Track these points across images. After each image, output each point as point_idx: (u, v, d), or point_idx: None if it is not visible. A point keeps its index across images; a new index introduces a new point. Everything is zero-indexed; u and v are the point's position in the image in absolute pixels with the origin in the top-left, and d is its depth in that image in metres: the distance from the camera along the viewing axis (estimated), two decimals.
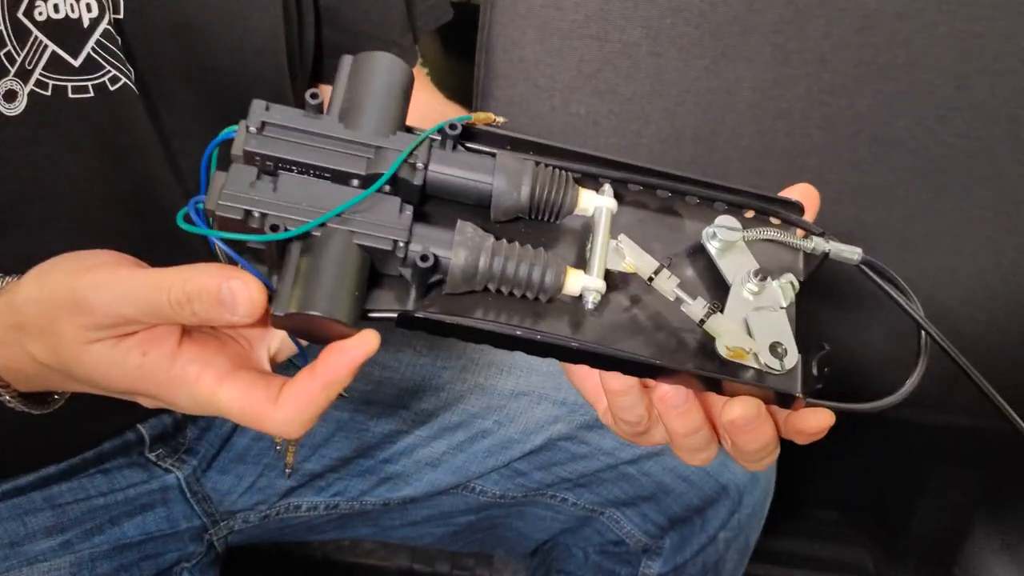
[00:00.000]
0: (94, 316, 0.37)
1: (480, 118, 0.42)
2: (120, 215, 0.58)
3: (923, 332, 0.43)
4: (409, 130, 0.41)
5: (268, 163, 0.39)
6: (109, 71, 0.55)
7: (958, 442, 1.21)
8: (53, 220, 0.56)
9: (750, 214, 0.46)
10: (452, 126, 0.40)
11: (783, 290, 0.43)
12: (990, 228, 0.90)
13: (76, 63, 0.53)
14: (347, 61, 0.42)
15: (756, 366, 0.41)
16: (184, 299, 0.36)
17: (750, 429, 0.41)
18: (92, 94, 0.54)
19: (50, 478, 0.65)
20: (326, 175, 0.39)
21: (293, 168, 0.39)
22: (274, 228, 0.37)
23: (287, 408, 0.38)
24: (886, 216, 0.91)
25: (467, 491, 0.77)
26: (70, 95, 0.54)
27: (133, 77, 0.56)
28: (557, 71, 0.85)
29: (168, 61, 0.58)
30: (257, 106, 0.39)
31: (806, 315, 0.44)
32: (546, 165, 0.42)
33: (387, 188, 0.39)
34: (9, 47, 0.51)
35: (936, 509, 1.31)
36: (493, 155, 0.42)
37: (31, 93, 0.52)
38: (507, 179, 0.41)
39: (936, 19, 0.81)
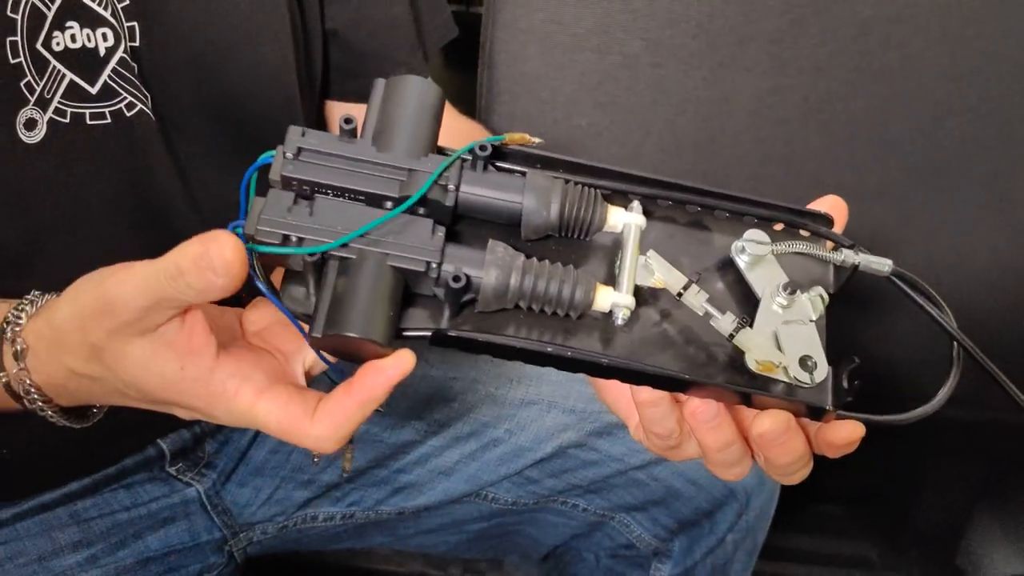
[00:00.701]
0: (118, 315, 0.38)
1: (515, 139, 0.43)
2: (136, 240, 0.60)
3: (955, 343, 0.43)
4: (441, 151, 0.42)
5: (305, 187, 0.40)
6: (125, 97, 0.56)
7: (958, 435, 1.20)
8: (75, 246, 0.57)
9: (779, 227, 0.46)
10: (482, 147, 0.41)
11: (813, 303, 0.43)
12: (986, 226, 0.91)
13: (93, 91, 0.55)
14: (380, 85, 0.43)
15: (786, 379, 0.41)
16: (176, 271, 0.36)
17: (780, 442, 0.41)
18: (109, 120, 0.56)
19: (74, 494, 0.67)
20: (360, 198, 0.40)
21: (329, 192, 0.40)
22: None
23: (323, 424, 0.39)
24: (884, 217, 0.92)
25: (480, 499, 0.78)
26: (88, 121, 0.55)
27: (149, 103, 0.58)
28: (559, 84, 0.86)
29: (183, 88, 0.59)
30: (293, 132, 0.40)
31: (836, 327, 0.44)
32: (575, 183, 0.43)
33: (420, 210, 0.40)
34: (29, 77, 0.52)
35: (938, 501, 1.32)
36: (523, 174, 0.42)
37: (50, 121, 0.54)
38: (537, 198, 0.41)
39: (929, 23, 0.82)
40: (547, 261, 0.41)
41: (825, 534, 1.36)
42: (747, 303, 0.44)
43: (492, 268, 0.39)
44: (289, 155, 0.40)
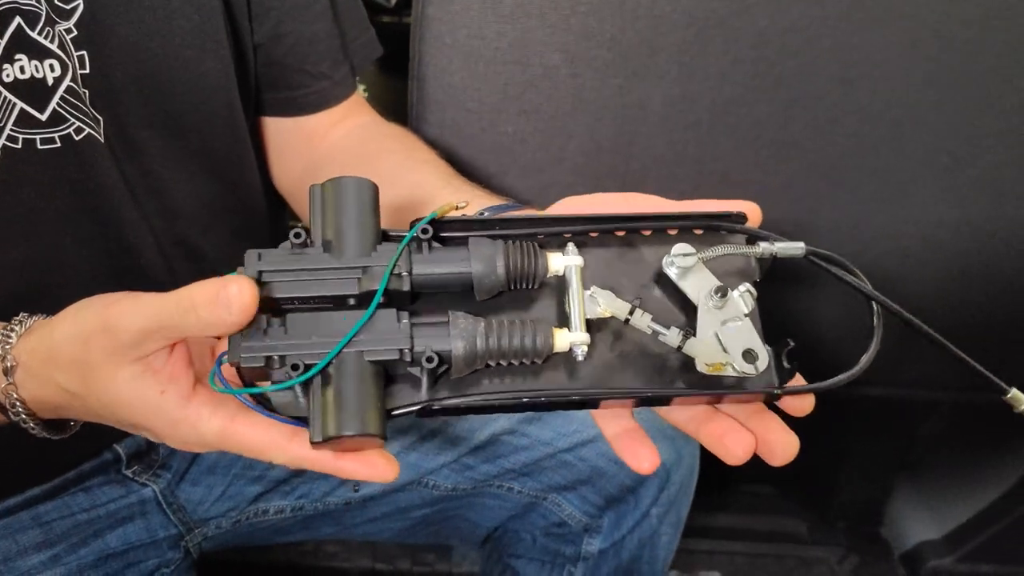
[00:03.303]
0: (119, 336, 0.42)
1: (446, 210, 0.47)
2: (91, 252, 0.63)
3: (874, 304, 0.46)
4: (386, 236, 0.45)
5: (272, 305, 0.43)
6: (74, 123, 0.60)
7: (877, 413, 1.28)
8: (31, 257, 0.61)
9: (699, 232, 0.49)
10: (424, 230, 0.44)
11: (743, 299, 0.46)
12: (882, 217, 0.96)
13: (43, 117, 0.58)
14: (316, 192, 0.45)
15: (735, 374, 0.45)
16: (190, 304, 0.40)
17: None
18: (59, 144, 0.60)
19: (36, 498, 0.69)
20: (326, 304, 0.43)
21: (295, 302, 0.43)
22: (295, 367, 0.41)
23: (301, 454, 0.43)
24: (790, 211, 0.96)
25: (421, 486, 0.81)
26: (39, 146, 0.59)
27: (101, 126, 0.61)
28: (484, 95, 0.89)
29: (131, 107, 0.63)
30: (251, 256, 0.43)
31: (768, 312, 0.48)
32: (513, 240, 0.46)
33: (382, 300, 0.43)
34: None
35: (861, 477, 1.38)
36: (465, 241, 0.46)
37: (3, 147, 0.57)
38: (483, 263, 0.45)
39: (820, 33, 0.86)
40: (504, 318, 0.45)
41: (757, 512, 1.42)
42: (687, 309, 0.47)
43: (458, 340, 0.43)
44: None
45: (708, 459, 0.98)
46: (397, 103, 0.95)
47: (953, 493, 1.36)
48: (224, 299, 0.40)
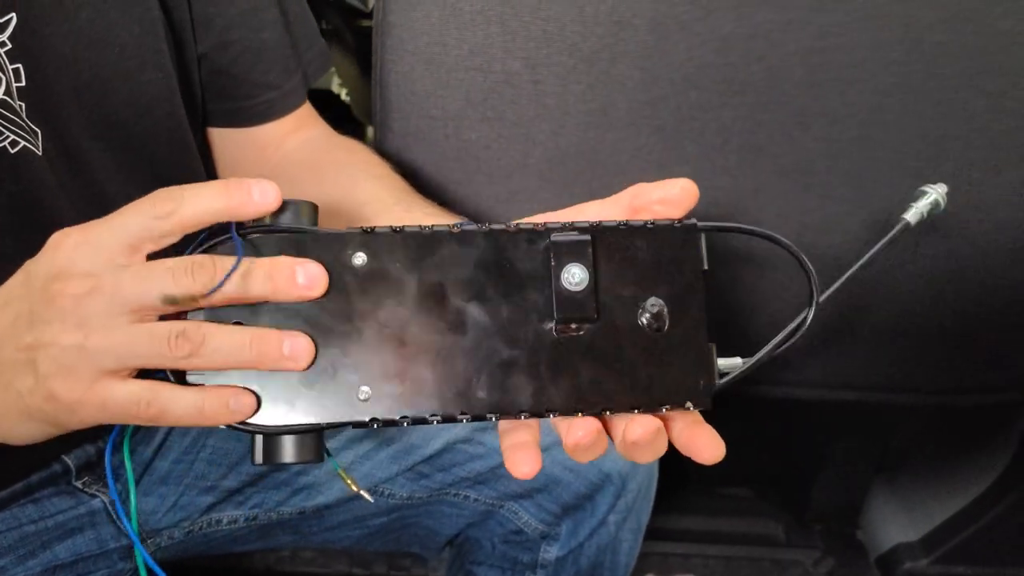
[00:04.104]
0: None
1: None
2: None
3: (773, 239, 0.49)
4: None
5: None
6: (8, 135, 0.59)
7: (852, 417, 1.28)
8: None
9: None
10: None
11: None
12: (851, 219, 0.96)
13: None
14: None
15: None
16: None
17: (652, 448, 0.46)
18: None
19: None
20: None
21: None
22: None
23: None
24: (759, 215, 0.96)
25: (377, 495, 0.82)
26: None
27: (39, 139, 0.61)
28: (447, 102, 0.89)
29: (71, 119, 0.62)
30: None
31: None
32: None
33: None
34: None
35: (838, 480, 1.38)
36: None
37: None
38: None
39: (784, 38, 0.87)
40: None
41: (733, 515, 1.43)
42: None
43: None
44: None
45: (685, 463, 1.00)
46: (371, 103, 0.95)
47: (929, 496, 1.37)
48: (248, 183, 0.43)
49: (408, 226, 0.47)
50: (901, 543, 1.35)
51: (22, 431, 0.46)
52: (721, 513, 1.43)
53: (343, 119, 1.52)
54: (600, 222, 0.47)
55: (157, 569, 0.47)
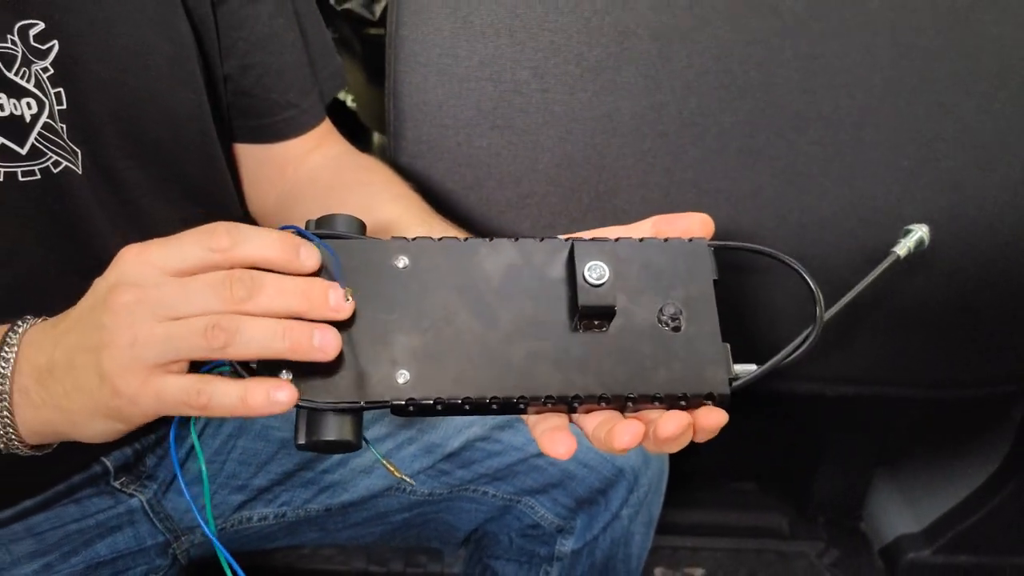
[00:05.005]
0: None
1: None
2: (73, 277, 0.66)
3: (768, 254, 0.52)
4: None
5: None
6: (52, 156, 0.62)
7: (853, 412, 1.30)
8: (15, 280, 0.63)
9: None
10: None
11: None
12: (847, 220, 0.98)
13: (23, 151, 0.61)
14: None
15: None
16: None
17: (681, 441, 0.48)
18: (39, 176, 0.62)
19: (28, 511, 0.72)
20: None
21: None
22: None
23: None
24: (758, 215, 0.98)
25: (400, 491, 0.84)
26: (20, 179, 0.61)
27: (79, 159, 0.64)
28: (459, 111, 0.92)
29: (108, 140, 0.65)
30: None
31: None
32: None
33: None
34: None
35: (840, 473, 1.41)
36: None
37: None
38: None
39: (781, 44, 0.89)
40: None
41: (739, 509, 1.45)
42: None
43: None
44: None
45: (693, 460, 1.01)
46: (381, 115, 0.97)
47: (930, 487, 1.38)
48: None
49: (447, 236, 0.51)
50: (903, 534, 1.36)
51: (95, 429, 0.49)
52: (727, 508, 1.45)
53: (349, 126, 1.54)
54: (619, 237, 0.52)
55: (220, 548, 0.50)
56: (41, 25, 0.61)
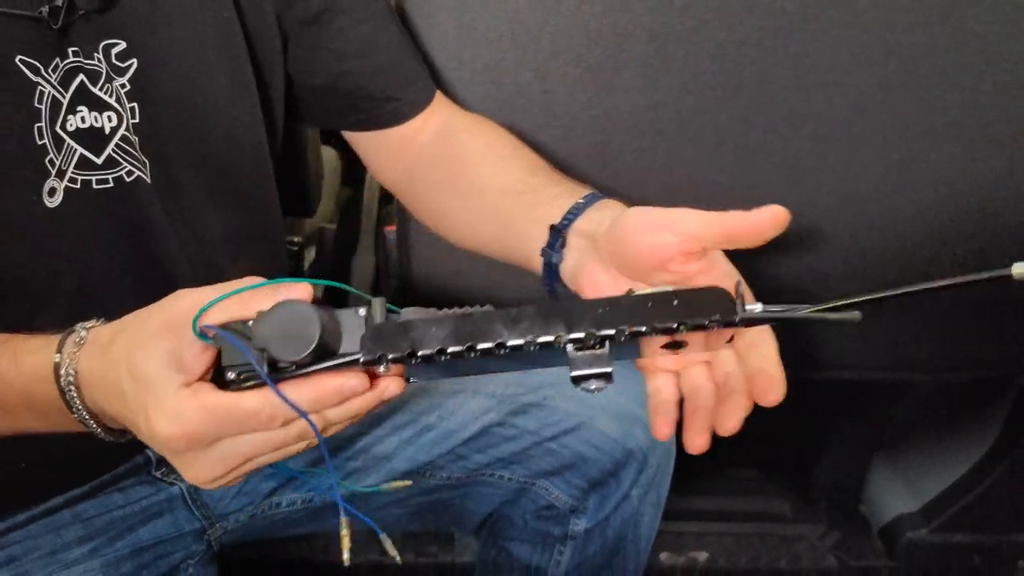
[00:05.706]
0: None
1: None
2: (134, 283, 0.70)
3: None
4: None
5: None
6: (125, 166, 0.67)
7: (852, 396, 1.31)
8: (83, 285, 0.67)
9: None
10: None
11: None
12: (841, 214, 1.00)
13: (99, 161, 0.65)
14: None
15: None
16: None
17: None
18: (112, 185, 0.66)
19: (76, 498, 0.76)
20: None
21: None
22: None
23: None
24: None
25: (419, 476, 0.87)
26: (94, 187, 0.66)
27: (148, 168, 0.68)
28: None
29: (174, 152, 0.70)
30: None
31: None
32: None
33: None
34: (51, 154, 0.63)
35: (840, 457, 1.42)
36: None
37: (66, 188, 0.64)
38: None
39: (774, 44, 0.90)
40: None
41: (742, 494, 1.47)
42: None
43: None
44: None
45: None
46: None
47: (926, 468, 1.40)
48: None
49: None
50: (902, 513, 1.39)
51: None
52: (730, 493, 1.47)
53: None
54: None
55: (344, 505, 0.58)
56: (123, 44, 0.65)
